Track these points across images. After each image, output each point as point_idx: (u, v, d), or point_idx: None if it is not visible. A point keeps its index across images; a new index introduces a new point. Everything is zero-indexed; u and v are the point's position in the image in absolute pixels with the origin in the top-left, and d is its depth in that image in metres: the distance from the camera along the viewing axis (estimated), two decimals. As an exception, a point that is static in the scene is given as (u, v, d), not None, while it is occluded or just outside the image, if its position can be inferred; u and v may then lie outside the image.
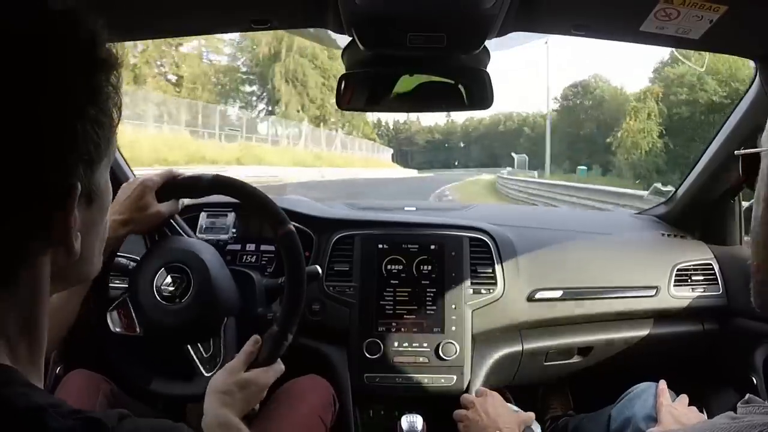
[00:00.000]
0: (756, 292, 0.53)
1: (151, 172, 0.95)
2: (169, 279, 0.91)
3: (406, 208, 1.57)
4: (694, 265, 1.42)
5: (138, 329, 0.93)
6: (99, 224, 0.45)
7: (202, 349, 0.92)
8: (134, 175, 1.45)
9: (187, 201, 1.39)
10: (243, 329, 0.93)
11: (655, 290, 1.37)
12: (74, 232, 0.39)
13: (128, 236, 0.93)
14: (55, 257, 0.40)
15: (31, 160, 0.35)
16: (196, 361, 0.92)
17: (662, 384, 1.08)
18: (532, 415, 1.07)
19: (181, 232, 0.99)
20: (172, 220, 0.98)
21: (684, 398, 1.06)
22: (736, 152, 0.58)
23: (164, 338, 0.94)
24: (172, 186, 0.94)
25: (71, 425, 0.34)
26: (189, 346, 0.92)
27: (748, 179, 0.54)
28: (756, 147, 0.51)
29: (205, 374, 0.91)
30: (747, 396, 0.48)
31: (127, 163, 1.46)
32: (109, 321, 0.93)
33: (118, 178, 1.42)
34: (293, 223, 0.95)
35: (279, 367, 0.86)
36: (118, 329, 0.93)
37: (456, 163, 66.05)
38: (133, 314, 0.93)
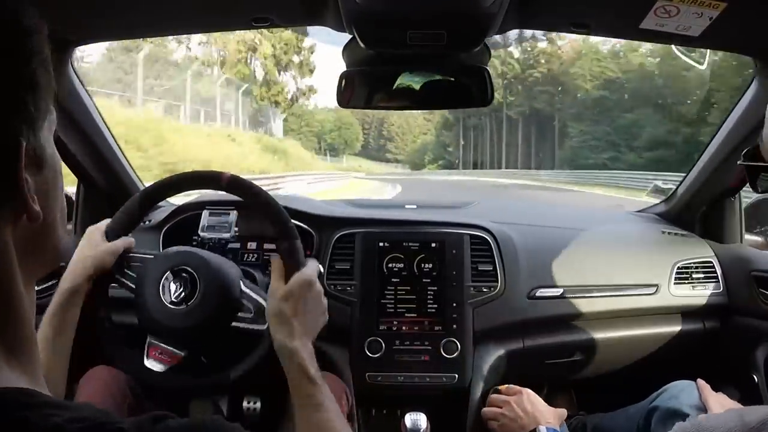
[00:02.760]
0: None
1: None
2: (173, 286, 0.90)
3: (407, 206, 1.58)
4: (694, 263, 1.42)
5: (182, 352, 0.91)
6: (55, 190, 0.44)
7: (244, 314, 0.91)
8: (144, 184, 1.46)
9: (178, 202, 1.41)
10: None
11: (655, 288, 1.37)
12: (31, 194, 0.39)
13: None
14: (18, 226, 0.39)
15: None
16: (248, 326, 0.90)
17: (702, 381, 1.09)
18: (564, 410, 1.08)
19: (149, 256, 0.96)
20: (134, 254, 0.95)
21: (722, 394, 1.07)
22: (738, 162, 0.58)
23: (206, 338, 0.92)
24: (110, 226, 0.93)
25: None
26: (233, 323, 0.91)
27: (752, 183, 0.55)
28: (757, 144, 0.52)
29: (263, 327, 0.89)
30: None
31: (135, 172, 1.47)
32: (151, 367, 0.91)
33: (127, 187, 1.42)
34: (294, 221, 0.96)
35: (311, 263, 0.85)
36: (163, 367, 0.91)
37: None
38: (166, 346, 0.91)
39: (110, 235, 0.92)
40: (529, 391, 1.09)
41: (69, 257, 0.46)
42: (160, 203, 1.39)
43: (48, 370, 0.74)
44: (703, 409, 1.01)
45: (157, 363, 0.91)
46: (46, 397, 0.36)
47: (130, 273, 0.93)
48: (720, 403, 1.00)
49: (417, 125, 75.53)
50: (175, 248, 0.99)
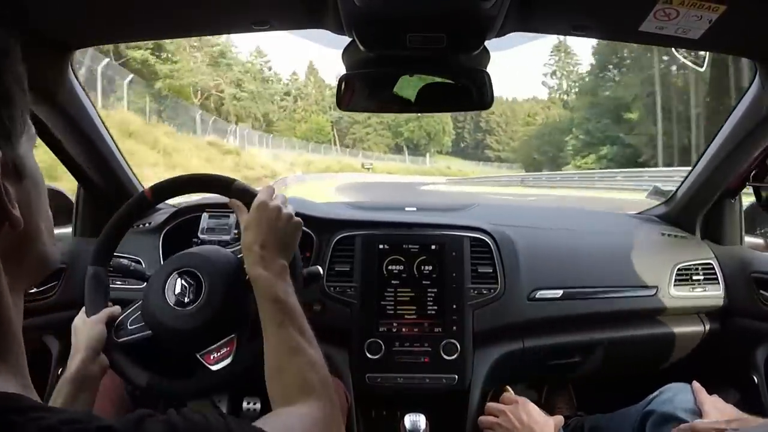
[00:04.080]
0: None
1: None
2: (178, 289, 0.89)
3: (406, 208, 1.58)
4: (694, 265, 1.42)
5: (231, 336, 0.89)
6: (38, 202, 0.45)
7: (212, 350, 0.88)
8: (143, 186, 1.45)
9: (180, 201, 1.40)
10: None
11: (655, 290, 1.37)
12: (12, 202, 0.40)
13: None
14: (0, 231, 0.40)
15: None
16: (202, 360, 0.88)
17: (697, 383, 1.08)
18: (561, 418, 1.07)
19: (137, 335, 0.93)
20: (122, 315, 0.94)
21: (717, 397, 1.07)
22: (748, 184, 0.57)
23: (177, 345, 0.91)
24: (87, 307, 0.92)
25: None
26: (197, 354, 0.89)
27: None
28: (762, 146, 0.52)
29: (211, 367, 0.87)
30: None
31: (134, 174, 1.47)
32: (218, 368, 0.87)
33: (126, 189, 1.42)
34: None
35: (259, 189, 0.87)
36: (228, 360, 0.87)
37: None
38: (214, 345, 0.88)
39: (89, 313, 0.90)
40: (526, 400, 1.08)
41: (56, 266, 0.47)
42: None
43: None
44: (698, 412, 1.00)
45: (221, 360, 0.88)
46: (32, 401, 0.37)
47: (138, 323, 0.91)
48: (715, 406, 1.00)
49: (523, 110, 61.13)
50: (176, 255, 0.97)
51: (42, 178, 0.47)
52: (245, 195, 0.90)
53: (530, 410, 1.05)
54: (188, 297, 0.88)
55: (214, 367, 0.87)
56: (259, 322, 0.73)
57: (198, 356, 0.88)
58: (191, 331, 0.87)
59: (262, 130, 39.00)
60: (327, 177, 25.45)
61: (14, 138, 0.42)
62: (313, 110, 52.56)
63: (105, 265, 0.96)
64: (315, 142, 43.68)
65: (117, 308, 0.93)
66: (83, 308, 0.92)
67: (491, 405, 1.09)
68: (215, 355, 0.88)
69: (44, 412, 0.35)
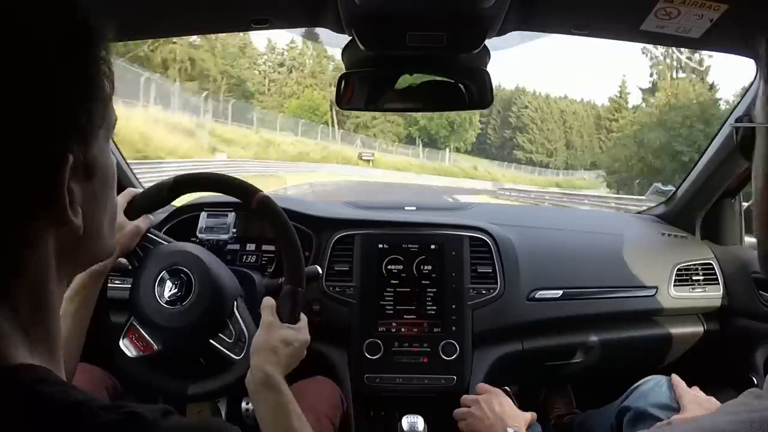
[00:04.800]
0: (762, 263, 0.54)
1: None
2: (169, 284, 0.91)
3: (406, 208, 1.57)
4: (694, 265, 1.42)
5: (155, 346, 0.92)
6: (104, 199, 0.44)
7: (225, 337, 0.92)
8: (141, 184, 1.45)
9: (177, 203, 1.40)
10: (254, 318, 0.93)
11: (655, 290, 1.37)
12: (74, 207, 0.38)
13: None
14: (59, 234, 0.39)
15: (18, 131, 0.34)
16: (224, 350, 0.91)
17: (676, 377, 1.07)
18: (534, 414, 1.07)
19: (161, 242, 0.99)
20: (149, 233, 0.98)
21: (697, 389, 1.06)
22: (732, 124, 0.59)
23: (184, 342, 0.93)
24: (138, 202, 0.95)
25: (114, 419, 0.34)
26: (211, 340, 0.92)
27: (744, 152, 0.55)
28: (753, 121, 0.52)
29: (238, 358, 0.90)
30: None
31: (131, 169, 1.46)
32: (123, 349, 0.93)
33: (122, 184, 1.42)
34: (293, 223, 0.96)
35: (305, 321, 0.89)
36: (135, 353, 0.93)
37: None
38: (145, 333, 0.93)
39: (136, 211, 0.94)
40: (500, 391, 1.08)
41: (110, 257, 0.47)
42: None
43: (68, 341, 0.79)
44: (672, 407, 0.99)
45: (131, 346, 0.93)
46: (61, 378, 0.37)
47: (139, 252, 0.96)
48: (695, 400, 0.98)
49: (558, 107, 50.91)
50: (182, 245, 1.00)
51: (114, 171, 0.45)
52: (267, 211, 0.92)
53: (503, 401, 1.04)
54: (179, 293, 0.90)
55: (239, 356, 0.90)
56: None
57: (217, 345, 0.91)
58: (194, 324, 0.90)
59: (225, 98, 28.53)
60: (287, 170, 20.03)
61: (91, 136, 0.40)
62: (307, 83, 43.11)
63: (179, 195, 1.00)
64: (310, 121, 34.42)
65: (152, 219, 0.98)
66: (127, 192, 0.96)
67: (466, 396, 1.09)
68: (135, 339, 0.93)
69: (73, 389, 0.36)
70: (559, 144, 51.13)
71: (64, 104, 0.37)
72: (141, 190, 0.98)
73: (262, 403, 0.77)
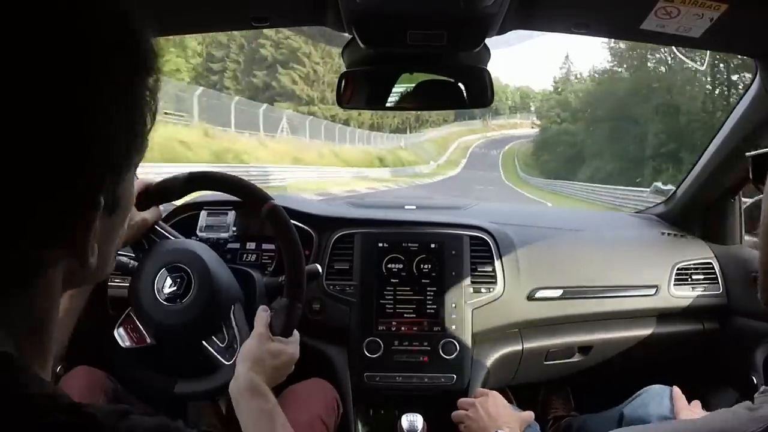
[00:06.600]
0: (763, 287, 0.53)
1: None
2: (169, 281, 0.92)
3: (406, 207, 1.57)
4: (694, 264, 1.42)
5: (149, 339, 0.93)
6: (118, 230, 0.42)
7: (217, 341, 0.92)
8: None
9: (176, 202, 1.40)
10: (250, 323, 0.93)
11: (655, 289, 1.37)
12: (92, 245, 0.36)
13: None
14: (69, 266, 0.38)
15: (55, 170, 0.32)
16: (214, 353, 0.92)
17: (677, 390, 1.08)
18: (531, 413, 1.07)
19: (168, 236, 0.99)
20: (157, 226, 0.99)
21: (698, 403, 1.06)
22: (747, 154, 0.58)
23: (177, 340, 0.94)
24: (150, 193, 0.94)
25: (64, 421, 0.32)
26: (204, 342, 0.92)
27: (756, 179, 0.53)
28: (761, 146, 0.51)
29: (227, 363, 0.91)
30: (763, 387, 0.48)
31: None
32: (117, 338, 0.93)
33: None
34: (294, 221, 0.96)
35: (297, 338, 0.88)
36: (128, 344, 0.93)
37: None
38: (140, 325, 0.93)
39: (145, 201, 0.93)
40: (496, 393, 1.09)
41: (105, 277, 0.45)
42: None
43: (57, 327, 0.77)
44: (672, 420, 1.00)
45: (125, 336, 0.93)
46: (39, 375, 0.36)
47: (145, 245, 0.96)
48: (692, 416, 0.99)
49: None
50: (186, 242, 1.00)
51: (133, 199, 0.44)
52: (276, 221, 0.92)
53: (498, 403, 1.06)
54: (178, 291, 0.91)
55: (228, 362, 0.90)
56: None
57: (208, 347, 0.91)
58: (189, 323, 0.90)
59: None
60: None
61: (126, 169, 0.38)
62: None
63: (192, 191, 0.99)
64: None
65: (160, 211, 0.98)
66: (141, 180, 0.94)
67: (463, 400, 1.11)
68: (130, 330, 0.93)
69: (42, 383, 0.34)
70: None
71: (107, 139, 0.34)
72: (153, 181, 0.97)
73: (244, 409, 0.76)
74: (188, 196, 1.38)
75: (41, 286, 0.36)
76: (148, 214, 0.95)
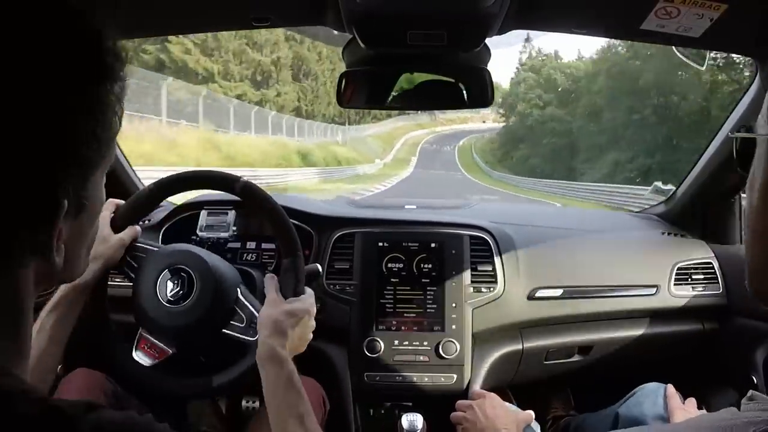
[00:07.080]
0: (750, 280, 0.52)
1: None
2: (170, 284, 0.91)
3: (406, 206, 1.57)
4: (694, 264, 1.42)
5: (170, 349, 0.93)
6: (86, 232, 0.43)
7: (236, 323, 0.92)
8: (143, 183, 1.45)
9: (177, 201, 1.40)
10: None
11: (655, 289, 1.37)
12: (59, 245, 0.38)
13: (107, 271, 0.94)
14: (38, 267, 0.38)
15: (16, 173, 0.32)
16: (238, 335, 0.91)
17: (671, 388, 1.08)
18: (531, 413, 1.07)
19: (152, 249, 0.98)
20: (138, 243, 0.97)
21: (693, 401, 1.06)
22: (730, 134, 0.57)
23: (196, 338, 0.93)
24: (121, 214, 0.95)
25: (33, 412, 0.33)
26: (224, 330, 0.92)
27: (742, 164, 0.53)
28: (753, 132, 0.51)
29: (253, 339, 0.90)
30: (750, 393, 0.48)
31: (135, 173, 1.46)
32: (139, 360, 0.93)
33: (127, 187, 1.42)
34: (293, 221, 0.96)
35: (311, 292, 0.89)
36: (150, 362, 0.93)
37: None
38: (155, 341, 0.93)
39: (119, 222, 0.93)
40: (493, 395, 1.09)
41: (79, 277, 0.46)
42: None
43: (43, 356, 0.78)
44: (665, 419, 1.00)
45: (145, 356, 0.93)
46: (15, 372, 0.36)
47: (133, 263, 0.95)
48: (686, 416, 0.98)
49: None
50: (176, 246, 1.00)
51: (102, 202, 0.44)
52: (252, 196, 0.92)
53: (496, 405, 1.06)
54: (179, 294, 0.90)
55: (254, 338, 0.89)
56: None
57: (230, 333, 0.91)
58: (175, 328, 0.90)
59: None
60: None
61: (90, 173, 0.39)
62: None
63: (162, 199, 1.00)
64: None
65: (138, 229, 0.97)
66: (110, 202, 0.95)
67: (461, 402, 1.11)
68: (148, 348, 0.93)
69: (17, 381, 0.35)
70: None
71: (72, 142, 0.35)
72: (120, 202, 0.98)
73: (264, 376, 0.77)
74: (188, 196, 1.39)
75: (11, 286, 0.37)
76: (125, 234, 0.94)
